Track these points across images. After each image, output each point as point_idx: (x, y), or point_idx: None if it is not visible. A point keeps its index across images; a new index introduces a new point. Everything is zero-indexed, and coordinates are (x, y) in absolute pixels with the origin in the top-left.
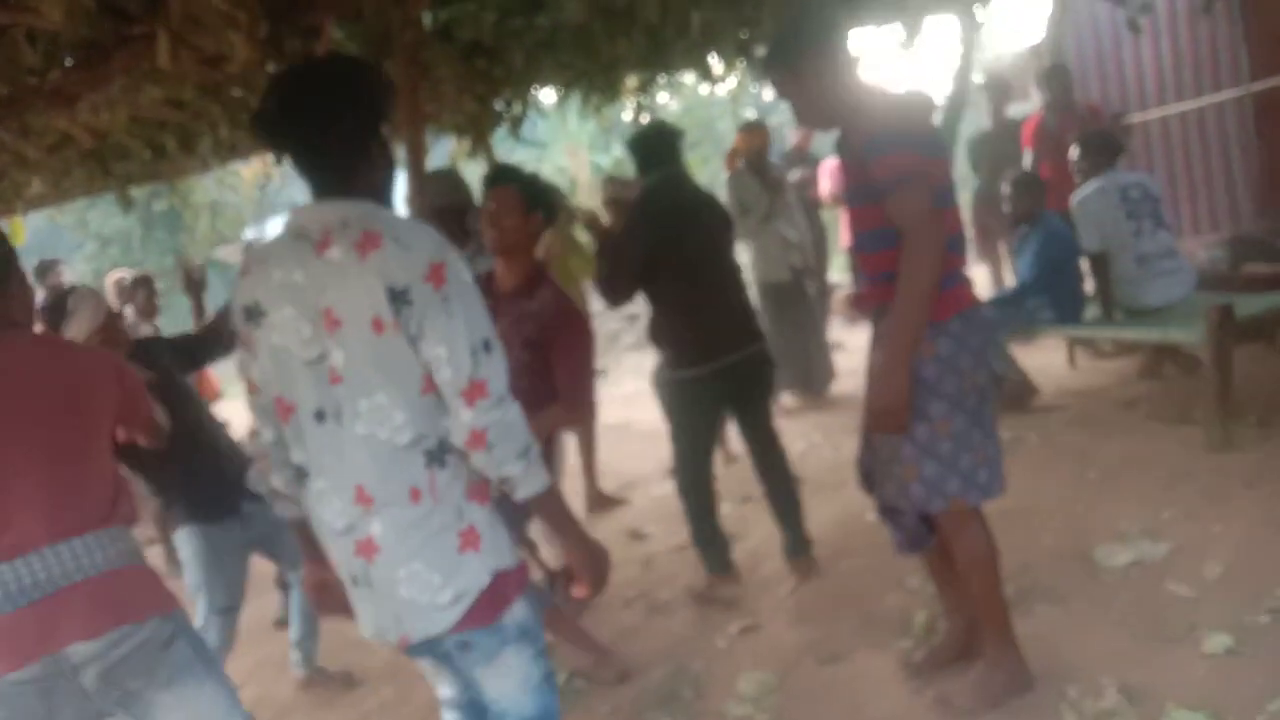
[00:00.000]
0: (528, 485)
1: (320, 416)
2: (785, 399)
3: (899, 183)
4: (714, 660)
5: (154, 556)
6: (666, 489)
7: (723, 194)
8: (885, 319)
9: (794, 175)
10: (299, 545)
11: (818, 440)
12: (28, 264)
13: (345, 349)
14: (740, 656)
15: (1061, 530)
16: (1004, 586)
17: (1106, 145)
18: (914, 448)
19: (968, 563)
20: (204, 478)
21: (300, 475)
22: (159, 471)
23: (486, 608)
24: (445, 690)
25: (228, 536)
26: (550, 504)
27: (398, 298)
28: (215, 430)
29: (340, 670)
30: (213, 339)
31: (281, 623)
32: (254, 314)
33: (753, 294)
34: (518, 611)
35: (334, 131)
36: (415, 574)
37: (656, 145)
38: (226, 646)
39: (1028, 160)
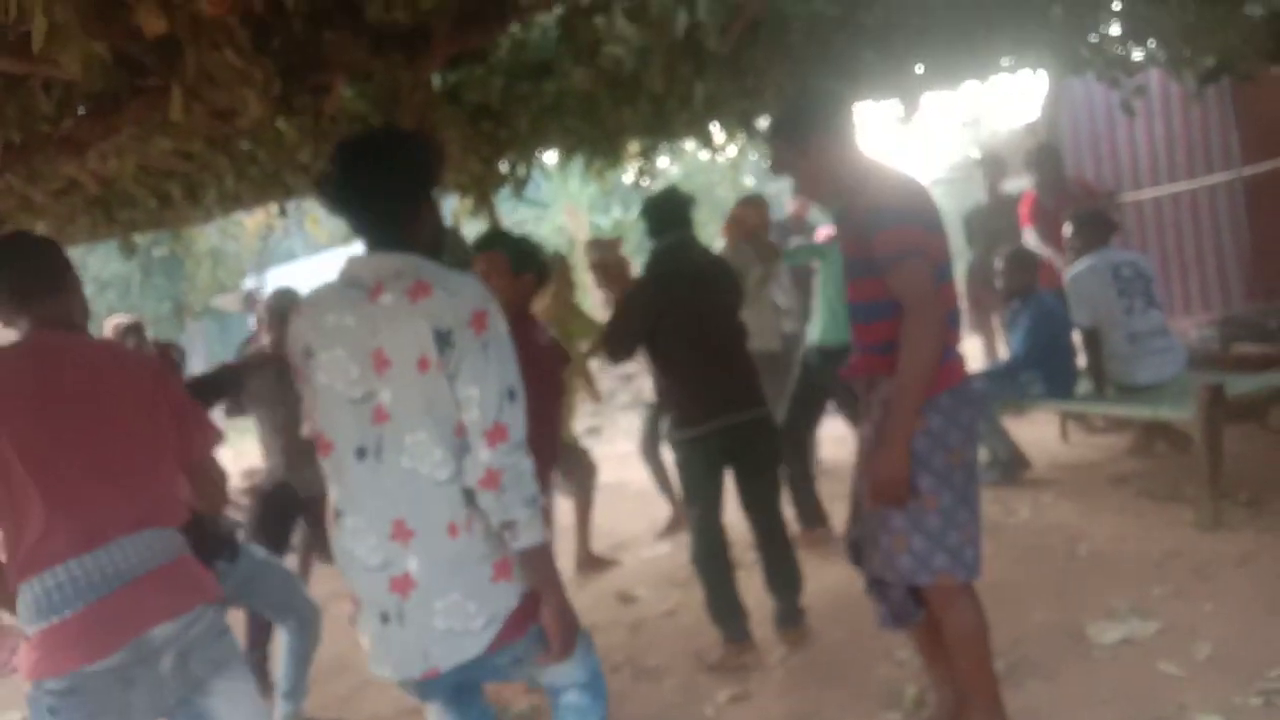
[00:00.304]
0: (529, 535)
1: (361, 454)
2: None
3: (900, 258)
4: None
5: None
6: (658, 551)
7: None
8: (875, 389)
9: (791, 243)
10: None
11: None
12: None
13: (393, 387)
14: None
15: (1052, 606)
16: (994, 661)
17: (1100, 223)
18: (903, 520)
19: (957, 637)
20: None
21: (334, 515)
22: None
23: (517, 624)
24: None
25: None
26: (542, 560)
27: (442, 339)
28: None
29: (333, 719)
30: (212, 384)
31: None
32: (306, 354)
33: None
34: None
35: (391, 195)
36: (453, 605)
37: (668, 210)
38: None
39: (1030, 237)
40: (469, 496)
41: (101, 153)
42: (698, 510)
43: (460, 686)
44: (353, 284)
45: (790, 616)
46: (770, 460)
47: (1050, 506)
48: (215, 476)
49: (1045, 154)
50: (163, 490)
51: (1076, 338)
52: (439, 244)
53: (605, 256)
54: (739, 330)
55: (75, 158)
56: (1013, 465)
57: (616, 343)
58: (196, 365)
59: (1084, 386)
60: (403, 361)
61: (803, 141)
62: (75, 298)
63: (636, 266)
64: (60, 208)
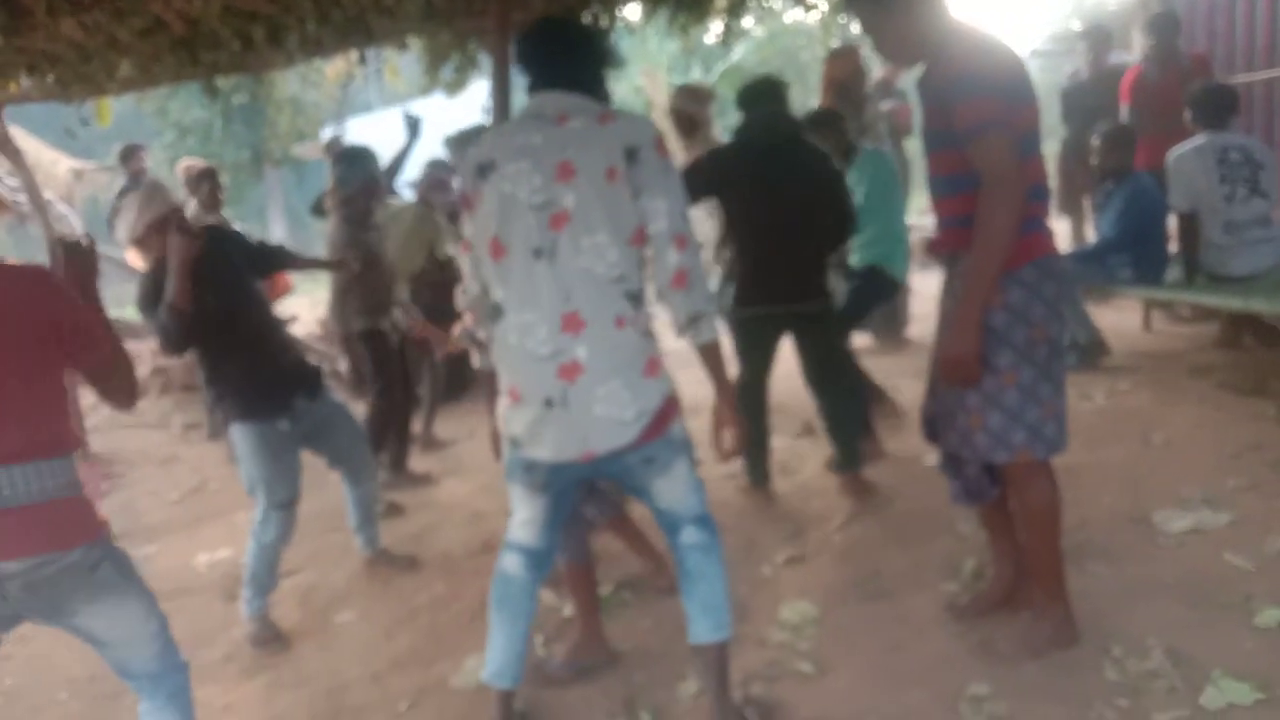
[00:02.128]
0: (709, 330)
1: (538, 254)
2: (858, 339)
3: (982, 129)
4: (758, 588)
5: (198, 441)
6: None
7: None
8: (958, 263)
9: (884, 106)
10: (488, 395)
11: (880, 382)
12: (112, 147)
13: (578, 193)
14: (785, 586)
15: (1122, 491)
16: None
17: (1219, 101)
18: (979, 397)
19: (1031, 514)
20: (261, 378)
21: (495, 313)
22: (216, 369)
23: (659, 423)
24: (524, 537)
25: (280, 433)
26: (718, 356)
27: (631, 155)
28: (275, 330)
29: (405, 555)
30: (285, 256)
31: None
32: (486, 169)
33: None
34: (678, 426)
35: (588, 59)
36: (612, 392)
37: (760, 89)
38: (286, 539)
39: (1124, 114)
40: (631, 297)
41: None
42: (745, 373)
43: (576, 485)
44: (536, 115)
45: (845, 459)
46: (827, 339)
47: (1127, 394)
48: (121, 376)
49: (1162, 22)
50: (49, 420)
51: (1171, 223)
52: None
53: (688, 108)
54: (811, 215)
55: None
56: (1092, 350)
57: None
58: (274, 212)
59: (1173, 273)
60: (590, 171)
61: (885, 0)
62: None
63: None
64: (145, 47)
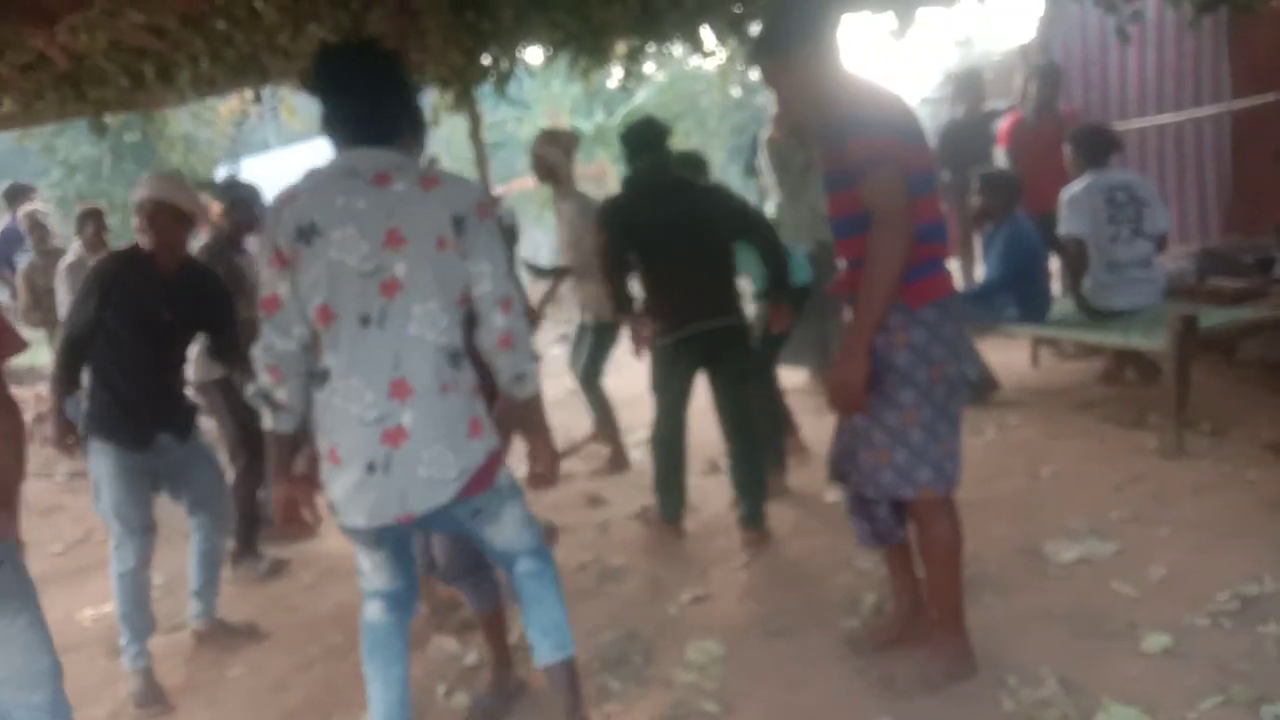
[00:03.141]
0: (532, 385)
1: (365, 321)
2: (790, 376)
3: (871, 165)
4: (664, 627)
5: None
6: (631, 457)
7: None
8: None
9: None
10: (275, 459)
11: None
12: None
13: (408, 262)
14: (690, 626)
15: (1012, 524)
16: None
17: (1100, 141)
18: (885, 435)
19: (935, 549)
20: (131, 405)
21: (321, 377)
22: (95, 382)
23: (483, 478)
24: (377, 583)
25: (138, 462)
26: (537, 406)
27: (459, 224)
28: (165, 365)
29: (243, 623)
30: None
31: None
32: (307, 233)
33: None
34: (504, 474)
35: (389, 99)
36: (436, 455)
37: (640, 135)
38: (144, 567)
39: (1000, 158)
40: (454, 361)
41: (71, 26)
42: (662, 400)
43: (408, 538)
44: (350, 174)
45: (752, 517)
46: (741, 367)
47: (1016, 428)
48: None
49: (1048, 73)
50: None
51: (1054, 263)
52: (419, 151)
53: (547, 154)
54: (713, 242)
55: (44, 29)
56: (982, 386)
57: (606, 262)
58: None
59: (1060, 308)
60: (420, 240)
61: (785, 54)
62: None
63: (613, 173)
64: (28, 82)
